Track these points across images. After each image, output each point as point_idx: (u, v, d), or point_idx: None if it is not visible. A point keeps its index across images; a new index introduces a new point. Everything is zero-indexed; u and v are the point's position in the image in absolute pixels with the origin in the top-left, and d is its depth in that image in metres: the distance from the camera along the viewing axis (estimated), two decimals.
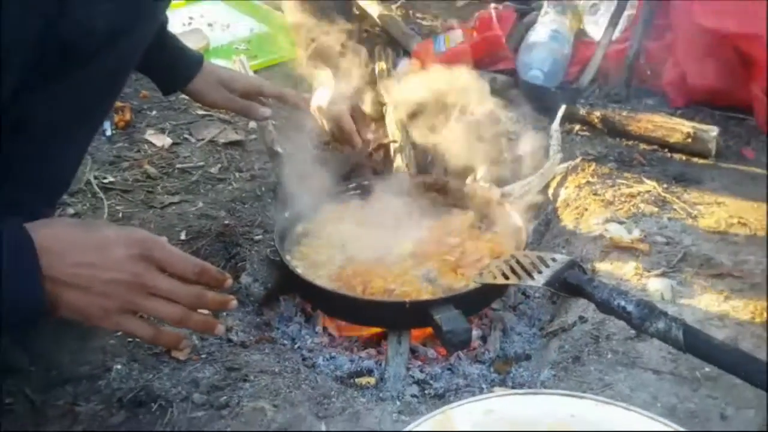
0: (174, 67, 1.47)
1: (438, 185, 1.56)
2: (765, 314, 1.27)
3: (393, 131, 1.76)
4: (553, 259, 1.24)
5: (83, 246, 0.95)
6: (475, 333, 1.36)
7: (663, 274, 1.38)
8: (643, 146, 1.73)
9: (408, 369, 1.27)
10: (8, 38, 0.98)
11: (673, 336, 1.11)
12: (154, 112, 1.89)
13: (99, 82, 1.24)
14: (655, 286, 1.35)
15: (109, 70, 1.24)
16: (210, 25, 2.33)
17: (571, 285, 1.20)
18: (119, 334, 1.20)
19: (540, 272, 1.22)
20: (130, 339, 1.20)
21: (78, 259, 0.94)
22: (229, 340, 1.28)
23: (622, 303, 1.14)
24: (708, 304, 1.31)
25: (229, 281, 1.04)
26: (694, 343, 1.10)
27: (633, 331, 1.20)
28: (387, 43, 2.22)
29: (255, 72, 2.06)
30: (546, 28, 2.04)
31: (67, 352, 1.17)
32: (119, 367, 1.17)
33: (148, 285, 0.97)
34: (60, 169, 1.28)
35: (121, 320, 0.97)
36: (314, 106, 1.68)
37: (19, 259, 0.90)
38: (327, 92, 1.69)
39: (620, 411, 0.85)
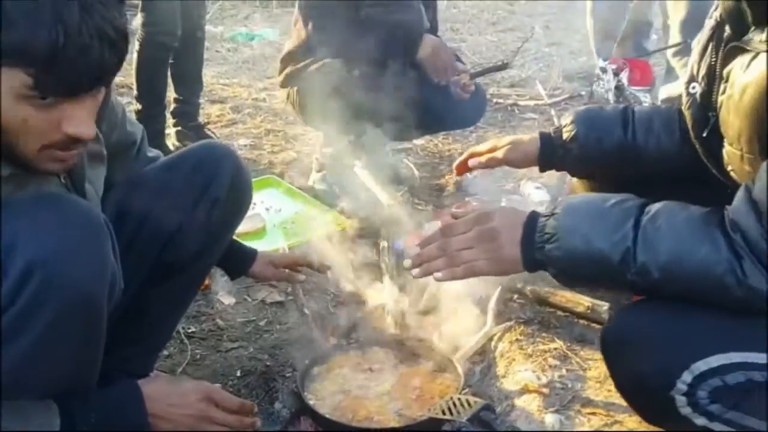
0: (238, 262, 1.84)
1: (410, 343, 1.94)
2: None
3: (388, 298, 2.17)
4: (476, 402, 1.61)
5: (171, 394, 1.34)
6: None
7: (556, 411, 1.71)
8: (558, 313, 2.10)
9: None
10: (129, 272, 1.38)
11: None
12: (225, 278, 2.30)
13: (190, 280, 1.67)
14: (550, 420, 1.69)
15: (197, 272, 1.67)
16: (267, 209, 2.76)
17: (483, 421, 1.57)
18: None
19: (466, 411, 1.59)
20: None
21: (168, 401, 1.32)
22: None
23: None
24: None
25: (255, 409, 1.45)
26: None
27: None
28: (391, 223, 2.66)
29: (298, 245, 2.50)
30: None
31: None
32: None
33: (210, 417, 1.35)
34: (163, 335, 1.70)
35: None
36: None
37: (134, 405, 1.28)
38: None
39: None
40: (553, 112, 3.77)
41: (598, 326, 2.03)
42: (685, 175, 1.49)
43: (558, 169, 1.84)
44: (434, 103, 2.76)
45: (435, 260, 1.39)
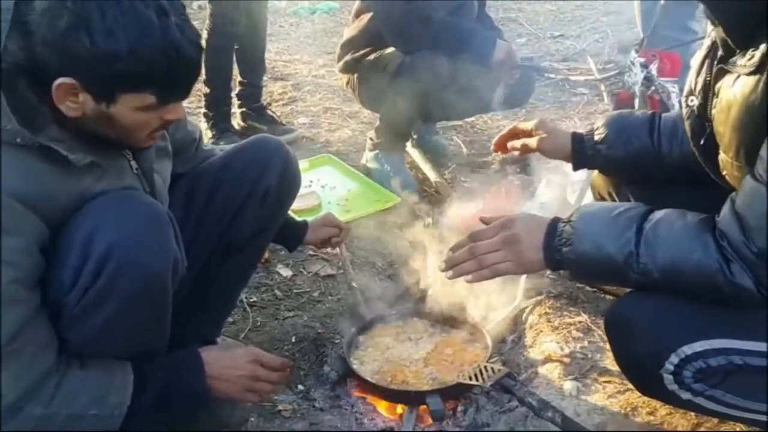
0: (294, 237, 2.06)
1: (446, 315, 2.15)
2: (628, 408, 1.80)
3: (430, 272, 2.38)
4: (500, 369, 1.83)
5: (224, 358, 1.58)
6: (460, 408, 1.92)
7: (575, 379, 1.90)
8: (587, 288, 2.26)
9: (414, 428, 1.86)
10: (194, 252, 1.65)
11: (556, 420, 1.67)
12: (283, 252, 2.55)
13: (249, 257, 1.91)
14: (568, 386, 1.88)
15: (254, 251, 1.90)
16: (322, 186, 2.99)
17: (504, 387, 1.78)
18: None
19: (490, 377, 1.80)
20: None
21: (222, 364, 1.56)
22: (314, 406, 1.91)
23: (529, 399, 1.71)
24: (596, 399, 1.83)
25: (289, 363, 1.71)
26: (566, 426, 1.66)
27: None
28: (437, 202, 2.87)
29: (350, 222, 2.72)
30: (538, 201, 2.62)
31: (228, 410, 1.81)
32: (252, 419, 1.82)
33: (257, 375, 1.60)
34: (228, 305, 1.96)
35: (245, 395, 1.60)
36: None
37: (195, 368, 1.52)
38: None
39: None
40: (602, 87, 3.87)
41: None
42: (706, 176, 1.62)
43: (589, 168, 1.99)
44: (484, 87, 2.89)
45: (465, 263, 1.59)
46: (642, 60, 2.24)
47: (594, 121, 1.99)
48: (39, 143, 1.26)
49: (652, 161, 1.82)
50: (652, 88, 2.24)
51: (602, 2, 5.54)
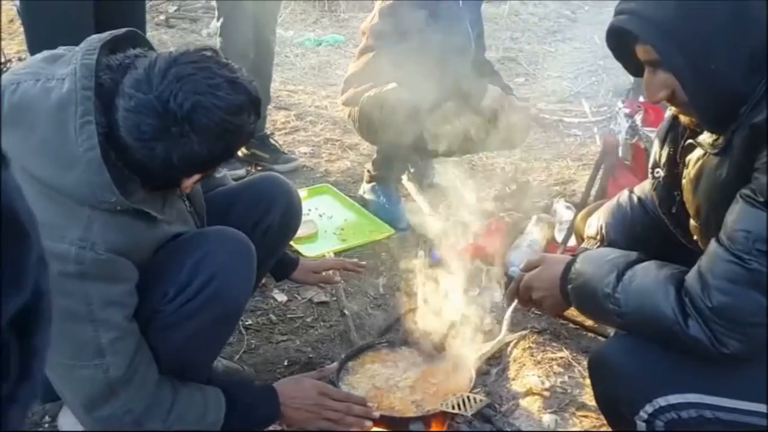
0: (282, 270, 2.16)
1: (433, 345, 2.23)
2: None
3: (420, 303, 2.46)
4: (481, 400, 1.90)
5: (294, 389, 1.75)
6: None
7: (554, 412, 1.98)
8: (570, 325, 2.35)
9: None
10: None
11: None
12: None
13: None
14: (546, 419, 1.96)
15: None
16: (320, 215, 3.08)
17: (486, 417, 1.86)
18: None
19: (472, 407, 1.87)
20: None
21: (294, 394, 1.73)
22: None
23: (509, 430, 1.79)
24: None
25: (367, 402, 1.86)
26: None
27: None
28: (430, 234, 2.95)
29: (345, 251, 2.81)
30: (526, 238, 2.71)
31: None
32: None
33: (325, 405, 1.75)
34: None
35: (320, 423, 1.75)
36: None
37: (271, 397, 1.71)
38: None
39: None
40: (595, 129, 3.97)
41: (603, 339, 2.27)
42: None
43: None
44: (478, 129, 2.98)
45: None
46: (627, 111, 2.34)
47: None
48: (133, 207, 1.44)
49: (659, 234, 1.80)
50: (636, 137, 2.35)
51: (599, 45, 5.67)
